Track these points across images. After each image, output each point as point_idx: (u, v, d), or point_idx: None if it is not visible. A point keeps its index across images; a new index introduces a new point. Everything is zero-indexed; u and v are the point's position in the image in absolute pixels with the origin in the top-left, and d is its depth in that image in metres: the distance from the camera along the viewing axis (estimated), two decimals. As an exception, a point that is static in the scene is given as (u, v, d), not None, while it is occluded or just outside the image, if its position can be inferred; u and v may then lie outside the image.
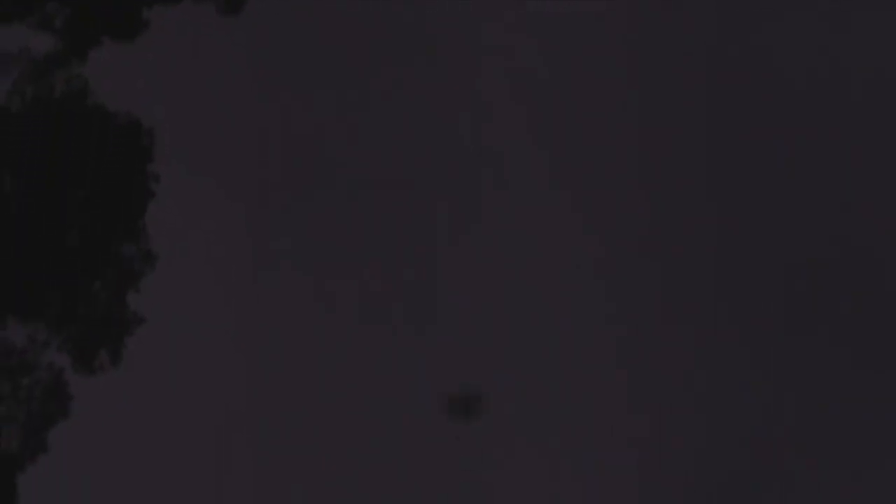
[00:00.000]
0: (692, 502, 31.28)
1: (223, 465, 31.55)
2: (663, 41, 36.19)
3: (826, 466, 31.29)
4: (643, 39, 35.81)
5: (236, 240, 34.08)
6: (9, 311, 30.13)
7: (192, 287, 33.57)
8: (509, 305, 34.54)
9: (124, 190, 31.63)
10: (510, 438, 32.75)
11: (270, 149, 35.22)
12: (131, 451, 31.13)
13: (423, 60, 35.47)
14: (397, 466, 33.16)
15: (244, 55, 35.56)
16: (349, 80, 35.92)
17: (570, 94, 35.98)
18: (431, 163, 35.93)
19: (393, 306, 34.22)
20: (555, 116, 36.37)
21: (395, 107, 35.61)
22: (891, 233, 34.46)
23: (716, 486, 31.26)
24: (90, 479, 29.86)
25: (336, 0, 36.10)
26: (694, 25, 36.55)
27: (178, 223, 32.62)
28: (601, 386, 33.42)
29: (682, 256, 34.96)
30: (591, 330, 34.07)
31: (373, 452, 32.87)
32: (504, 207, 35.51)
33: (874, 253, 34.27)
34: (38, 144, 31.13)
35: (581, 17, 35.23)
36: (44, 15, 32.67)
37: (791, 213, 36.32)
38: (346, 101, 36.13)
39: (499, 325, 34.30)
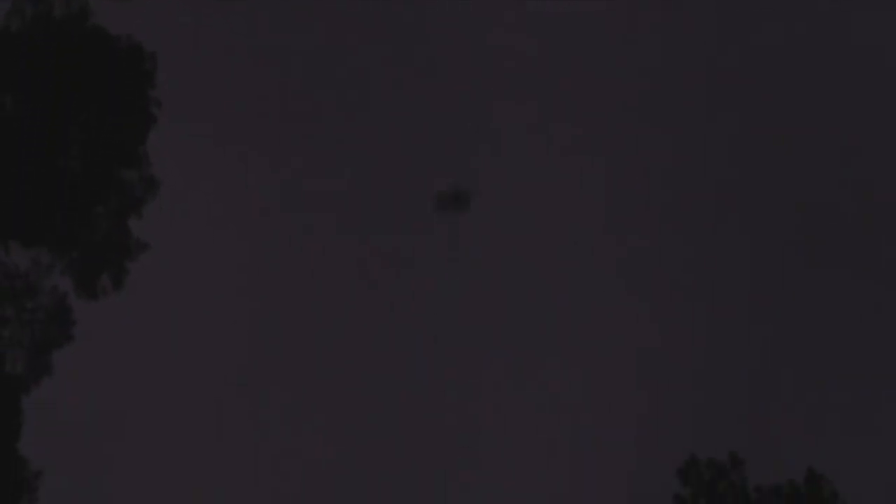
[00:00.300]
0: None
1: (222, 386, 32.22)
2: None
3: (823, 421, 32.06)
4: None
5: (237, 167, 34.08)
6: (12, 235, 30.28)
7: (194, 213, 33.70)
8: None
9: (125, 115, 31.42)
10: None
11: (273, 78, 34.89)
12: (133, 374, 31.74)
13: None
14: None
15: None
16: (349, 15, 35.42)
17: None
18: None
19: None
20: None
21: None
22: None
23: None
24: (94, 401, 30.53)
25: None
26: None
27: (180, 149, 32.53)
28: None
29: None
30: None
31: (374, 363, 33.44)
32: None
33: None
34: (39, 66, 30.75)
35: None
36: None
37: (785, 164, 36.41)
38: (345, 36, 35.70)
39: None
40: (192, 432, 31.17)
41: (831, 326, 32.79)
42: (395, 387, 32.42)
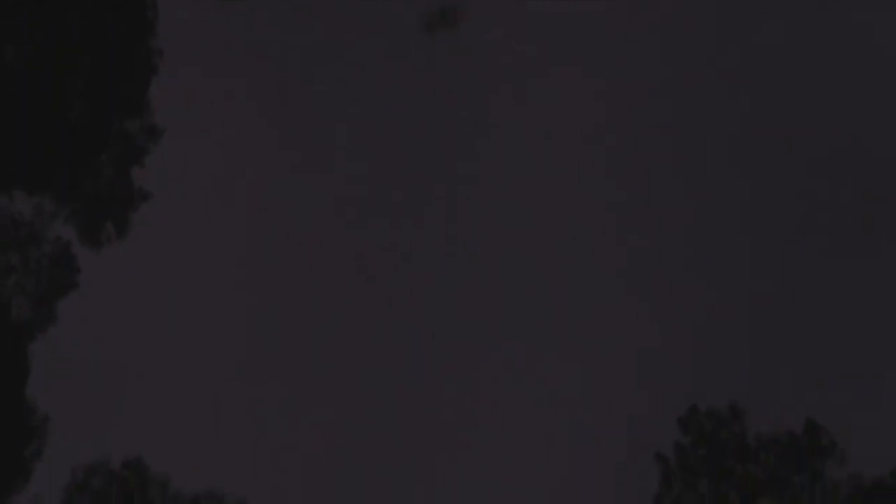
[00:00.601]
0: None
1: (224, 331, 32.50)
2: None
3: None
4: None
5: (239, 116, 33.99)
6: (15, 183, 30.49)
7: (196, 162, 33.75)
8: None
9: (127, 64, 31.37)
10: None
11: (276, 24, 34.63)
12: (136, 321, 32.07)
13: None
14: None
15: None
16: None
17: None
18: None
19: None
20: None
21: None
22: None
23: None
24: (98, 349, 30.92)
25: None
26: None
27: (182, 98, 32.49)
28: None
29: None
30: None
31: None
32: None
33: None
34: (41, 16, 30.67)
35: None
36: None
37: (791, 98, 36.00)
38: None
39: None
40: (194, 377, 31.55)
41: (833, 279, 32.63)
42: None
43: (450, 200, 34.02)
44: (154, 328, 31.86)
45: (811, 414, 30.33)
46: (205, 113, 33.45)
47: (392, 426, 32.01)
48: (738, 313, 32.56)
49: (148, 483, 33.85)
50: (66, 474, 33.64)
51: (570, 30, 34.56)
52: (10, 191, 30.53)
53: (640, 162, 34.01)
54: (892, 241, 32.72)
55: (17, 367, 28.89)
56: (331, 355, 32.59)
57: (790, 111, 34.53)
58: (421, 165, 34.05)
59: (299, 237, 33.61)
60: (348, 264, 33.43)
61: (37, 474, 30.90)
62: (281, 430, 31.90)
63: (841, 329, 31.78)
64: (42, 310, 30.26)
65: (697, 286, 32.78)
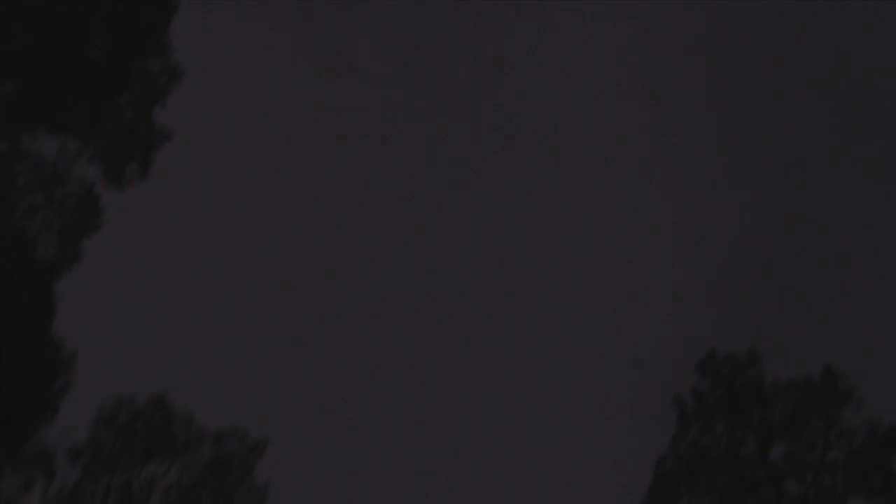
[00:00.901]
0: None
1: (247, 271, 32.84)
2: None
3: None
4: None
5: (261, 55, 33.85)
6: (38, 123, 30.53)
7: (217, 101, 33.71)
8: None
9: (148, 2, 31.10)
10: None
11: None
12: (161, 260, 32.45)
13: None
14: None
15: None
16: None
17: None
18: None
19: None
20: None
21: None
22: None
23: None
24: (122, 288, 31.36)
25: None
26: None
27: (203, 38, 32.32)
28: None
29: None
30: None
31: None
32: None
33: None
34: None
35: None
36: None
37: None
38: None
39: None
40: (218, 315, 31.95)
41: (859, 228, 32.43)
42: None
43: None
44: (178, 267, 32.20)
45: (830, 360, 30.43)
46: (226, 51, 33.28)
47: (413, 354, 32.33)
48: (760, 260, 32.51)
49: (172, 420, 34.54)
50: (93, 410, 34.39)
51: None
52: (34, 130, 30.58)
53: (662, 94, 33.63)
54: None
55: (44, 304, 29.27)
56: (356, 294, 32.93)
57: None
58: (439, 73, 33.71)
59: (322, 175, 33.66)
60: (374, 193, 33.39)
61: (64, 409, 31.55)
62: (305, 368, 32.39)
63: (862, 277, 31.69)
64: (67, 249, 30.52)
65: (718, 232, 32.69)
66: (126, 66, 31.37)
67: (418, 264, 32.95)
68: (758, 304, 32.46)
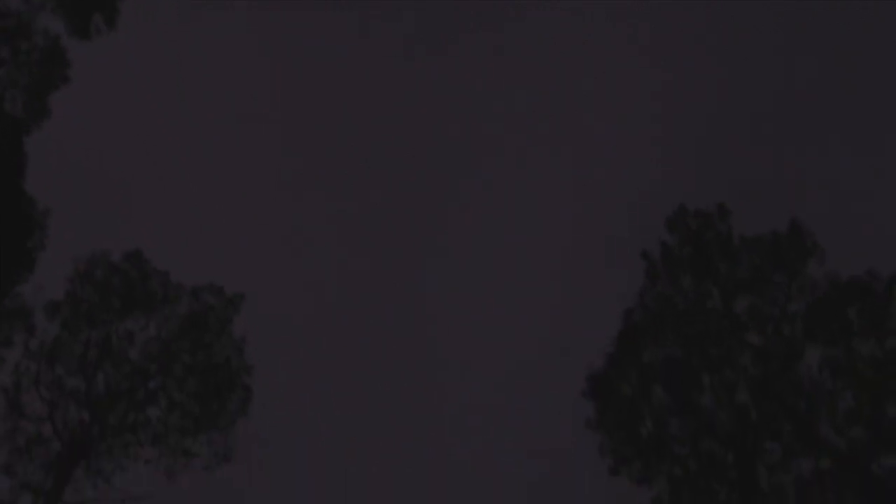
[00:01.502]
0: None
1: (218, 124, 32.53)
2: None
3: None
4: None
5: None
6: (-1, -28, 29.50)
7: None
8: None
9: None
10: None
11: None
12: (132, 114, 32.03)
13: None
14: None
15: None
16: None
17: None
18: None
19: None
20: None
21: None
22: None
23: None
24: (93, 144, 31.03)
25: None
26: None
27: None
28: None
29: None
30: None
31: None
32: None
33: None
34: None
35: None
36: None
37: None
38: None
39: None
40: (189, 168, 31.82)
41: (825, 84, 32.56)
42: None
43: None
44: (149, 121, 31.85)
45: (797, 214, 31.01)
46: None
47: (397, 196, 32.40)
48: (729, 116, 32.68)
49: (149, 275, 34.86)
50: (69, 267, 34.55)
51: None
52: (-6, -21, 29.60)
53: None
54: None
55: (14, 158, 28.99)
56: (337, 142, 32.82)
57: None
58: None
59: (302, 41, 32.98)
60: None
61: (40, 266, 31.69)
62: (280, 226, 32.57)
63: (830, 133, 32.03)
64: (35, 103, 30.06)
65: (690, 89, 32.71)
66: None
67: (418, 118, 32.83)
68: (727, 161, 32.86)
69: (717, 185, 32.68)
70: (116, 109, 31.65)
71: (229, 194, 32.28)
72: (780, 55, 32.84)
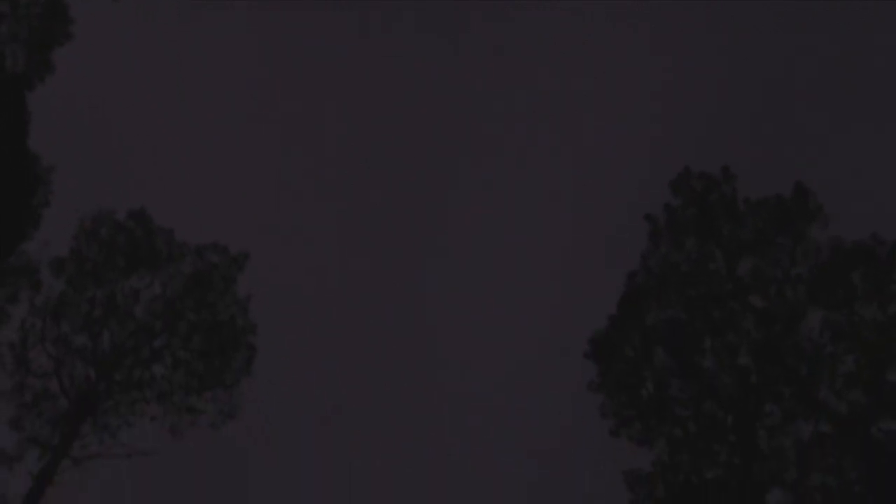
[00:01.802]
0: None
1: (225, 83, 32.38)
2: None
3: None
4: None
5: None
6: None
7: None
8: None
9: None
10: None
11: None
12: (137, 73, 31.87)
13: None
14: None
15: None
16: None
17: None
18: None
19: None
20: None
21: None
22: None
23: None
24: (98, 100, 30.92)
25: None
26: None
27: None
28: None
29: None
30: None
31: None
32: None
33: None
34: None
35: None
36: None
37: None
38: None
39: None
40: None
41: (830, 51, 32.23)
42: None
43: None
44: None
45: (802, 178, 30.85)
46: None
47: (402, 161, 32.21)
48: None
49: (153, 233, 34.93)
50: (74, 224, 34.62)
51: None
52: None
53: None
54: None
55: (17, 115, 28.95)
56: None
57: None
58: None
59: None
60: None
61: (45, 223, 31.78)
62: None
63: (835, 98, 31.73)
64: (37, 59, 29.93)
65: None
66: None
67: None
68: (733, 124, 32.62)
69: (722, 147, 32.40)
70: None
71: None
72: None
